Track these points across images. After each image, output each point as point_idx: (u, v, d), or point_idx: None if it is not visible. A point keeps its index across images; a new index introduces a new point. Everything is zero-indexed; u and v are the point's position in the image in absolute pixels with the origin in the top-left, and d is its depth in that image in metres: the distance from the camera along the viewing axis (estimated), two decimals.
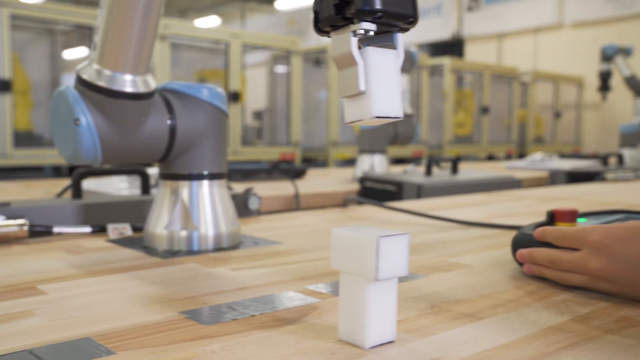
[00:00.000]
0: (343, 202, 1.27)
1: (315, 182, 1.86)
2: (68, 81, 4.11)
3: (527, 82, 7.28)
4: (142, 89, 0.70)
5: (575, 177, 2.04)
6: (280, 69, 5.26)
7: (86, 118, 0.68)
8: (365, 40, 0.46)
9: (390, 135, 1.91)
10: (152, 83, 0.73)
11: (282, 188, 1.59)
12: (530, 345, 0.42)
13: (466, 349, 0.41)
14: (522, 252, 0.62)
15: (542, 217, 0.84)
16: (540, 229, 0.62)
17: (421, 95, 5.80)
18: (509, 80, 6.98)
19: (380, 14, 0.43)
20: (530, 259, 0.61)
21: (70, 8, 3.64)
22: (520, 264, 0.63)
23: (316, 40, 11.92)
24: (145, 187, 1.04)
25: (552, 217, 0.69)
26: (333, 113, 5.04)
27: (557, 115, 7.55)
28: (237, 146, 4.37)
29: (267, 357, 0.39)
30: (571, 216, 0.68)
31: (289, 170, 1.93)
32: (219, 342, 0.42)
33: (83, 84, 0.69)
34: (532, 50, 8.64)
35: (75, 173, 0.97)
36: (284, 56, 4.88)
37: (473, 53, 9.48)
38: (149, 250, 0.76)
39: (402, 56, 0.47)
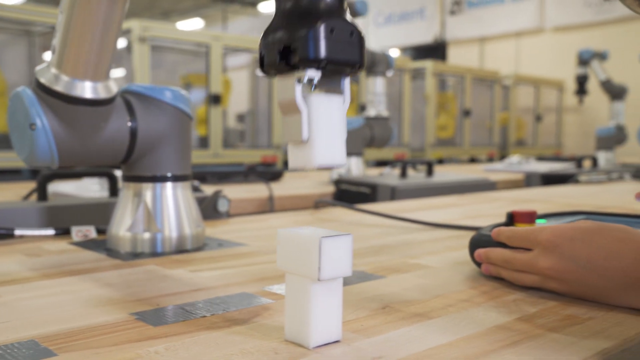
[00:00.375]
0: (314, 204, 1.27)
1: (291, 184, 1.86)
2: None
3: (509, 85, 7.34)
4: (102, 94, 0.70)
5: (549, 180, 2.06)
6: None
7: (42, 122, 0.68)
8: (310, 84, 0.44)
9: (367, 138, 1.92)
10: (114, 88, 0.73)
11: (257, 190, 1.59)
12: (473, 344, 0.42)
13: (409, 348, 0.41)
14: (479, 252, 0.63)
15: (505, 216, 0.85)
16: (495, 229, 0.62)
17: (403, 98, 5.83)
18: (490, 83, 7.03)
19: (325, 62, 0.43)
20: (487, 259, 0.62)
21: (48, 9, 3.61)
22: (478, 264, 0.64)
23: None
24: (113, 189, 1.04)
25: (512, 218, 0.70)
26: None
27: (538, 118, 7.62)
28: (219, 149, 4.36)
29: (211, 357, 0.39)
30: (529, 217, 0.69)
31: (265, 172, 1.93)
32: (165, 343, 0.42)
33: (40, 88, 0.69)
34: (513, 54, 8.72)
35: (40, 175, 0.97)
36: None
37: (455, 56, 9.54)
38: (112, 252, 0.76)
39: (348, 100, 0.46)
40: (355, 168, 1.88)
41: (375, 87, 1.98)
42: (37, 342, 0.42)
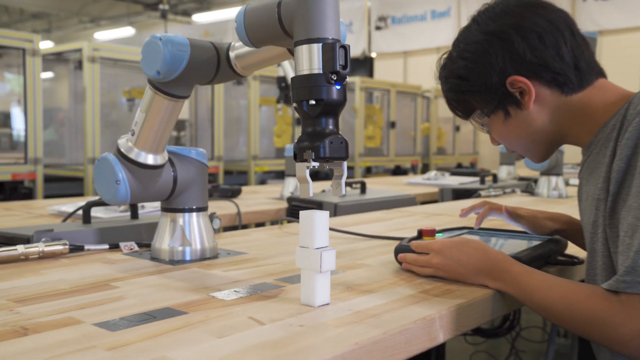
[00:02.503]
0: (279, 220, 1.66)
1: (249, 201, 2.24)
2: None
3: (430, 97, 7.96)
4: (160, 162, 1.08)
5: (458, 194, 2.54)
6: None
7: (123, 178, 1.04)
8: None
9: None
10: (166, 156, 1.10)
11: (224, 207, 1.96)
12: (397, 303, 0.83)
13: (363, 305, 0.82)
14: (400, 255, 1.05)
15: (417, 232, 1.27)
16: (411, 243, 1.04)
17: None
18: (413, 96, 7.61)
19: (327, 158, 0.82)
20: (404, 260, 1.03)
21: None
22: (400, 263, 1.06)
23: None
24: (134, 214, 1.39)
25: (421, 233, 1.12)
26: (253, 129, 5.41)
27: (457, 128, 8.28)
28: None
29: (266, 313, 0.78)
30: (432, 233, 1.12)
31: (228, 190, 2.30)
32: (237, 308, 0.81)
33: (120, 154, 1.05)
34: (434, 68, 9.38)
35: (86, 204, 1.31)
36: None
37: (381, 68, 10.12)
38: (157, 260, 1.13)
39: (344, 178, 0.87)
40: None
41: None
42: (171, 308, 0.80)
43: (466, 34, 1.02)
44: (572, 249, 1.16)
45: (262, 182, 5.63)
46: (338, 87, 0.82)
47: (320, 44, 0.81)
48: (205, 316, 0.77)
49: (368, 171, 7.04)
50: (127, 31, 13.30)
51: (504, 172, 3.50)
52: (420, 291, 0.90)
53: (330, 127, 0.83)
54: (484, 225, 1.35)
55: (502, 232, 1.28)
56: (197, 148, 1.18)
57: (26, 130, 3.92)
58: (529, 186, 2.64)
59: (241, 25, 0.93)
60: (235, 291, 0.90)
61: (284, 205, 2.12)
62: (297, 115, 2.63)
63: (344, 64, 0.82)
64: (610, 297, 0.79)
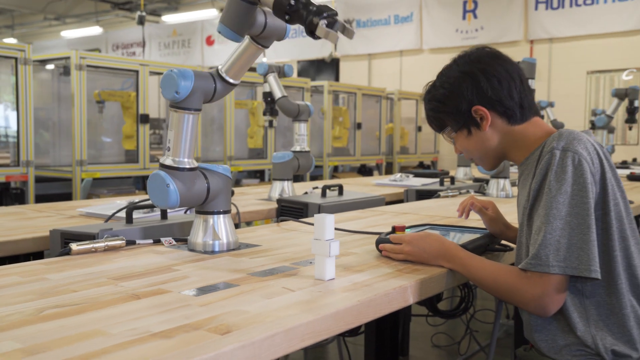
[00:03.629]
0: (278, 220, 2.01)
1: (241, 202, 2.59)
2: None
3: (394, 99, 8.39)
4: (193, 165, 1.42)
5: (421, 194, 2.93)
6: None
7: (171, 183, 1.38)
8: None
9: (295, 167, 2.68)
10: (195, 162, 1.44)
11: None
12: (380, 277, 1.20)
13: (358, 280, 1.19)
14: (380, 245, 1.42)
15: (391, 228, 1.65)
16: (390, 235, 1.41)
17: None
18: (378, 98, 8.02)
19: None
20: (383, 249, 1.41)
21: None
22: (380, 251, 1.43)
23: (201, 57, 12.34)
24: (164, 215, 1.73)
25: (394, 229, 1.49)
26: (229, 131, 5.72)
27: (419, 129, 8.73)
28: (147, 163, 4.94)
29: (293, 283, 1.14)
30: (402, 228, 1.49)
31: None
32: (273, 281, 1.16)
33: (164, 166, 1.39)
34: (397, 70, 9.83)
35: (128, 207, 1.64)
36: None
37: (347, 70, 10.51)
38: (194, 251, 1.47)
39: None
40: (288, 189, 2.64)
41: (300, 130, 2.75)
42: (227, 282, 1.15)
43: (448, 70, 1.40)
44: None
45: (237, 181, 5.95)
46: None
47: None
48: (252, 287, 1.12)
49: (335, 170, 7.42)
50: (94, 30, 13.35)
51: (461, 173, 3.92)
52: (396, 270, 1.28)
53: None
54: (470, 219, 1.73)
55: (456, 227, 1.66)
56: (224, 165, 1.52)
57: (18, 133, 4.16)
58: (481, 187, 3.05)
59: (221, 26, 1.39)
60: (265, 271, 1.25)
61: (274, 205, 2.47)
62: (270, 118, 2.98)
63: None
64: (521, 273, 1.19)
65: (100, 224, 1.64)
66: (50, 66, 5.20)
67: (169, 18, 11.96)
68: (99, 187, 4.82)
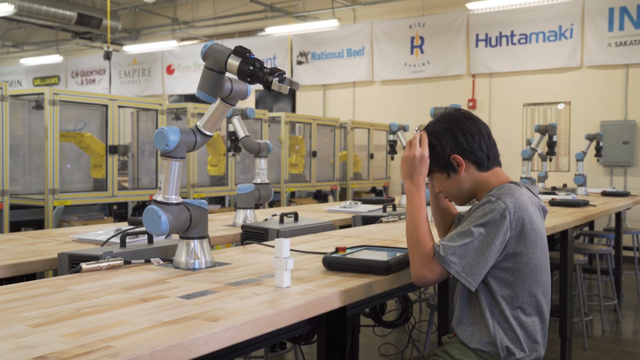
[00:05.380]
0: (243, 243, 2.41)
1: (210, 227, 2.96)
2: None
3: (347, 128, 8.88)
4: (178, 201, 1.81)
5: (366, 220, 3.36)
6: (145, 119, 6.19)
7: (162, 215, 1.77)
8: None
9: (257, 197, 3.08)
10: (180, 198, 1.83)
11: None
12: (325, 286, 1.62)
13: (310, 287, 1.59)
14: (325, 262, 1.83)
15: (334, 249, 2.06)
16: (332, 255, 1.83)
17: None
18: (332, 127, 8.49)
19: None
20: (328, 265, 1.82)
21: None
22: (326, 268, 1.84)
23: (161, 85, 12.63)
24: (150, 239, 2.10)
25: (337, 249, 1.91)
26: (192, 162, 6.08)
27: (371, 156, 9.23)
28: (115, 191, 5.25)
29: (259, 290, 1.54)
30: (343, 249, 1.91)
31: None
32: (244, 288, 1.56)
33: (157, 202, 1.78)
34: (351, 100, 10.36)
35: (122, 234, 2.02)
36: (153, 110, 5.85)
37: (303, 99, 10.99)
38: (179, 268, 1.85)
39: None
40: (250, 217, 3.04)
41: (261, 165, 3.16)
42: (208, 290, 1.54)
43: (434, 125, 1.84)
44: None
45: None
46: None
47: None
48: (229, 293, 1.52)
49: (292, 195, 7.82)
50: (53, 58, 13.51)
51: (403, 199, 4.38)
52: (336, 281, 1.69)
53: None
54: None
55: (390, 248, 2.09)
56: (201, 200, 1.92)
57: None
58: None
59: (199, 92, 1.79)
60: (237, 282, 1.65)
61: (239, 230, 2.86)
62: (234, 154, 3.37)
63: None
64: (431, 252, 1.64)
65: (100, 248, 2.01)
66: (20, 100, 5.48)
67: (130, 48, 12.26)
68: (69, 213, 5.10)
